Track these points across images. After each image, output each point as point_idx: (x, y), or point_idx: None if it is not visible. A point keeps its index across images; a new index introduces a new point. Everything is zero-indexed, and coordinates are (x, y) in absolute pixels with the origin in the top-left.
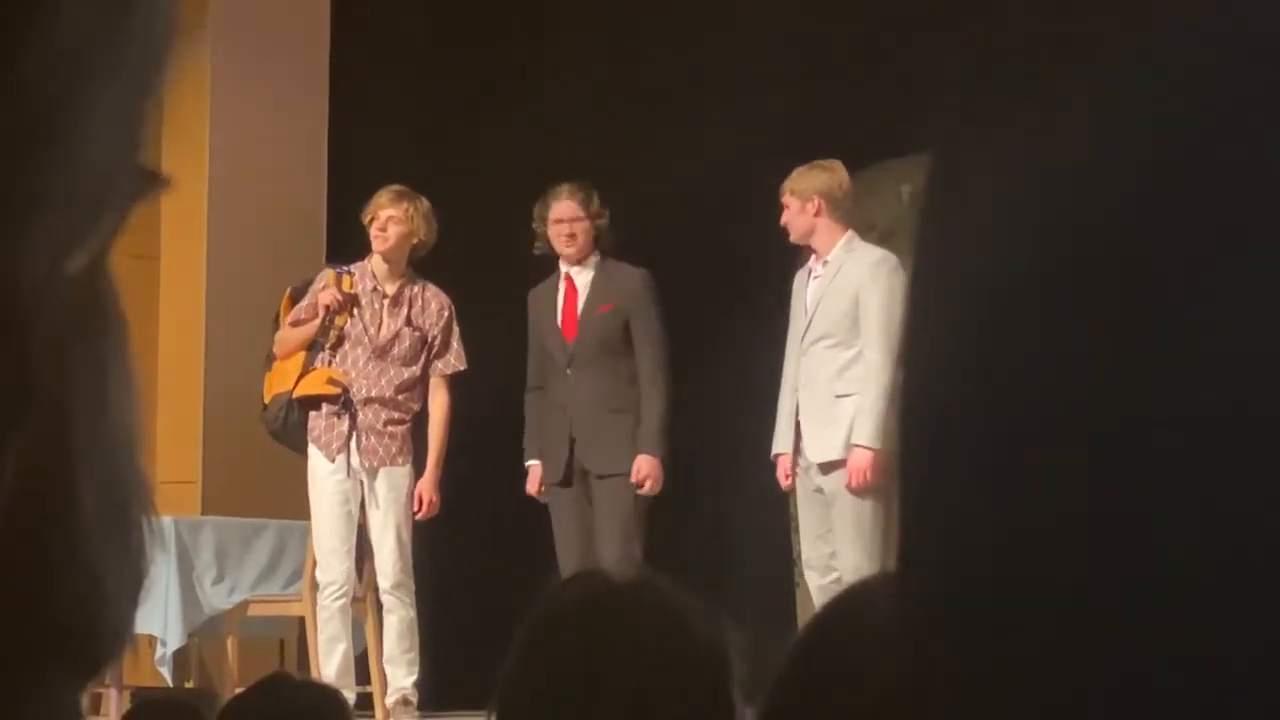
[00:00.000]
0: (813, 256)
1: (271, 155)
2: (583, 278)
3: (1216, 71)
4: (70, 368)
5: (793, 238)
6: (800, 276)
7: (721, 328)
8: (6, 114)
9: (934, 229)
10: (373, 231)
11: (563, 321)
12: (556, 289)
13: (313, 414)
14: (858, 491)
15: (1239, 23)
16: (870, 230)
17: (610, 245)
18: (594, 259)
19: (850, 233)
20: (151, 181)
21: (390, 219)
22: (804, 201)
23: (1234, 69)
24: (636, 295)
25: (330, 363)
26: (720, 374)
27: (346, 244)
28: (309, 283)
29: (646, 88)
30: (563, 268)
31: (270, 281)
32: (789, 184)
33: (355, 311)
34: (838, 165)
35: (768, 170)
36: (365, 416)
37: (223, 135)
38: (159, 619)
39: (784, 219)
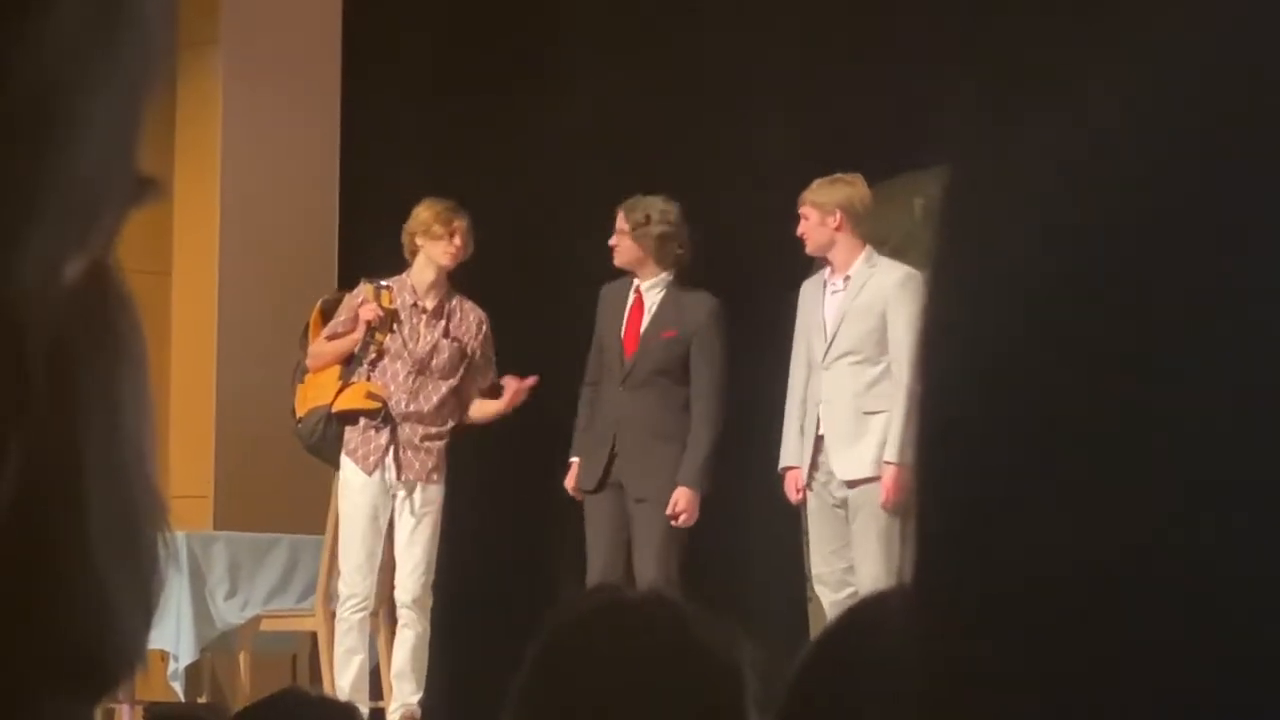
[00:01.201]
0: (827, 270)
1: (284, 170)
2: (651, 296)
3: (1226, 81)
4: (78, 379)
5: (809, 249)
6: (810, 288)
7: (736, 341)
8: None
9: (949, 241)
10: (443, 247)
11: (625, 335)
12: (626, 297)
13: (348, 428)
14: (893, 509)
15: (1244, 30)
16: (882, 245)
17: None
18: (665, 277)
19: (869, 248)
20: (146, 187)
21: (465, 229)
22: (825, 214)
23: (1241, 77)
24: (703, 323)
25: (369, 376)
26: (732, 386)
27: (359, 259)
28: (340, 297)
29: (659, 99)
30: (635, 279)
31: (283, 296)
32: (809, 195)
33: (395, 327)
34: (859, 179)
35: (780, 185)
36: (404, 431)
37: (234, 150)
38: (171, 634)
39: (801, 230)
